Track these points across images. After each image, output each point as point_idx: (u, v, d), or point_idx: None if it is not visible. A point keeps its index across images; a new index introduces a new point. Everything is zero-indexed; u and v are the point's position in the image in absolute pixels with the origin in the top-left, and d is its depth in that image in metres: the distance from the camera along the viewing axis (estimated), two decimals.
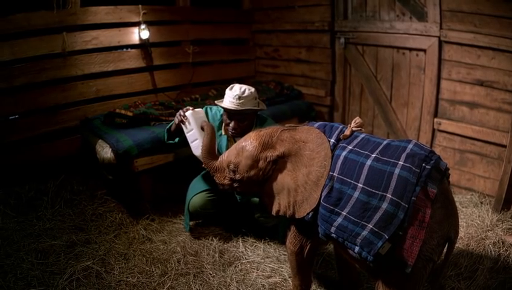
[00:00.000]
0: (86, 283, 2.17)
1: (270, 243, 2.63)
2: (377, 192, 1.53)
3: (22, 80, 3.06)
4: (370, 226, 1.50)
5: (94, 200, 3.05)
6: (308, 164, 1.72)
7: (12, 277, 2.17)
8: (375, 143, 1.68)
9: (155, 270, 2.31)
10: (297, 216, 1.74)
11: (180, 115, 2.39)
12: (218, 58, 4.42)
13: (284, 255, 2.48)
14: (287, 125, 1.90)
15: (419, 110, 3.34)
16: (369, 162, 1.59)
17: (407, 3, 3.25)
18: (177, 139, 2.58)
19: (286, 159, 1.78)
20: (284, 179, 1.77)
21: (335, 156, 1.69)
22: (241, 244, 2.61)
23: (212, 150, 2.02)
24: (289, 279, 2.24)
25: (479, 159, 3.01)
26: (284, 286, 2.21)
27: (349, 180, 1.60)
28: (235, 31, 4.56)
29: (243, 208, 2.64)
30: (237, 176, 1.86)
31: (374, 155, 1.61)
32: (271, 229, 2.63)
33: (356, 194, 1.57)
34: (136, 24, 3.59)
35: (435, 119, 3.22)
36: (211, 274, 2.29)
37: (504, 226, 2.55)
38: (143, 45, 3.67)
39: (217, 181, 1.98)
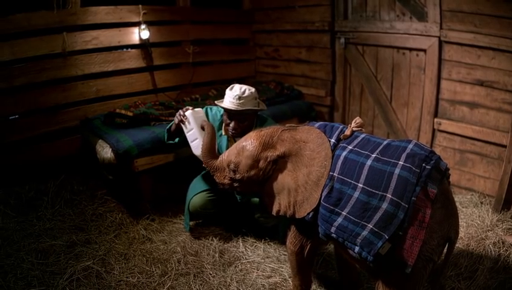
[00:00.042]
0: (86, 283, 2.17)
1: (270, 243, 2.63)
2: (377, 192, 1.53)
3: (22, 80, 3.06)
4: (370, 226, 1.50)
5: (94, 200, 3.05)
6: (308, 164, 1.72)
7: (12, 277, 2.17)
8: (376, 143, 1.68)
9: (155, 270, 2.31)
10: (297, 216, 1.74)
11: (180, 114, 2.39)
12: (218, 58, 4.42)
13: (284, 255, 2.48)
14: (287, 125, 1.89)
15: (420, 110, 3.34)
16: (369, 162, 1.60)
17: (407, 3, 3.25)
18: (177, 139, 2.58)
19: (286, 159, 1.78)
20: (285, 179, 1.77)
21: (335, 156, 1.69)
22: (241, 244, 2.61)
23: (212, 149, 2.02)
24: (289, 279, 2.24)
25: (479, 159, 3.01)
26: (284, 286, 2.21)
27: (350, 181, 1.60)
28: (235, 31, 4.56)
29: (243, 208, 2.64)
30: (237, 176, 1.86)
31: (374, 155, 1.61)
32: (271, 229, 2.63)
33: (356, 194, 1.57)
34: (136, 24, 3.59)
35: (435, 119, 3.22)
36: (211, 274, 2.29)
37: (504, 226, 2.55)
38: (143, 45, 3.67)
39: (217, 180, 1.98)
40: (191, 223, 2.80)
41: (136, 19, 3.57)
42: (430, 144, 3.28)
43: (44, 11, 3.09)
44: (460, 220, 2.23)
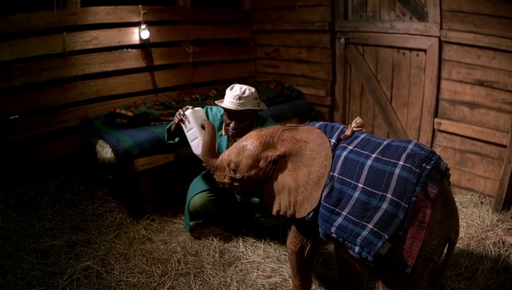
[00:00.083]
0: (86, 283, 2.17)
1: (270, 243, 2.63)
2: (377, 192, 1.53)
3: (22, 80, 3.06)
4: (370, 226, 1.51)
5: (94, 200, 3.05)
6: (309, 164, 1.72)
7: (12, 277, 2.17)
8: (376, 143, 1.68)
9: (155, 270, 2.31)
10: (297, 216, 1.75)
11: (179, 114, 2.39)
12: (218, 58, 4.42)
13: (284, 255, 2.48)
14: (288, 125, 1.89)
15: (420, 110, 3.34)
16: (369, 162, 1.60)
17: (408, 3, 3.25)
18: (177, 139, 2.58)
19: (287, 158, 1.78)
20: (285, 179, 1.78)
21: (335, 156, 1.69)
22: (241, 244, 2.61)
23: (212, 148, 2.02)
24: (289, 279, 2.24)
25: (479, 159, 3.01)
26: (284, 286, 2.21)
27: (350, 181, 1.60)
28: (235, 31, 4.56)
29: (243, 208, 2.64)
30: (237, 175, 1.86)
31: (374, 155, 1.61)
32: (271, 229, 2.63)
33: (356, 194, 1.57)
34: (137, 24, 3.59)
35: (435, 120, 3.22)
36: (211, 274, 2.29)
37: (504, 226, 2.55)
38: (143, 45, 3.67)
39: (217, 180, 1.98)
40: (191, 223, 2.80)
41: (136, 19, 3.57)
42: (430, 144, 3.28)
43: (44, 11, 3.09)
44: (460, 220, 2.23)
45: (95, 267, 2.29)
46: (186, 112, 2.36)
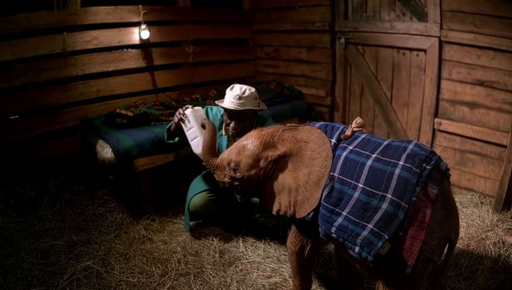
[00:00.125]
0: (86, 283, 2.17)
1: (270, 243, 2.63)
2: (377, 192, 1.53)
3: (22, 80, 3.07)
4: (370, 226, 1.50)
5: (94, 200, 3.05)
6: (309, 163, 1.72)
7: (12, 277, 2.17)
8: (376, 143, 1.68)
9: (155, 270, 2.31)
10: (297, 216, 1.74)
11: (179, 113, 2.39)
12: (218, 58, 4.42)
13: (285, 255, 2.48)
14: (288, 125, 1.90)
15: (420, 110, 3.34)
16: (369, 162, 1.60)
17: (408, 3, 3.25)
18: (177, 139, 2.58)
19: (287, 158, 1.78)
20: (285, 179, 1.77)
21: (336, 156, 1.69)
22: (241, 244, 2.61)
23: (213, 147, 2.02)
24: (289, 279, 2.24)
25: (479, 159, 3.01)
26: (284, 286, 2.21)
27: (350, 181, 1.60)
28: (235, 31, 4.56)
29: (243, 208, 2.64)
30: (238, 175, 1.86)
31: (374, 155, 1.61)
32: (271, 229, 2.63)
33: (356, 194, 1.57)
34: (137, 24, 3.59)
35: (435, 120, 3.22)
36: (211, 274, 2.29)
37: (504, 227, 2.55)
38: (143, 45, 3.67)
39: (217, 179, 1.98)
40: (191, 223, 2.80)
41: (136, 19, 3.57)
42: (430, 144, 3.28)
43: (44, 11, 3.09)
44: (460, 220, 2.23)
45: (95, 267, 2.29)
46: (186, 111, 2.36)
